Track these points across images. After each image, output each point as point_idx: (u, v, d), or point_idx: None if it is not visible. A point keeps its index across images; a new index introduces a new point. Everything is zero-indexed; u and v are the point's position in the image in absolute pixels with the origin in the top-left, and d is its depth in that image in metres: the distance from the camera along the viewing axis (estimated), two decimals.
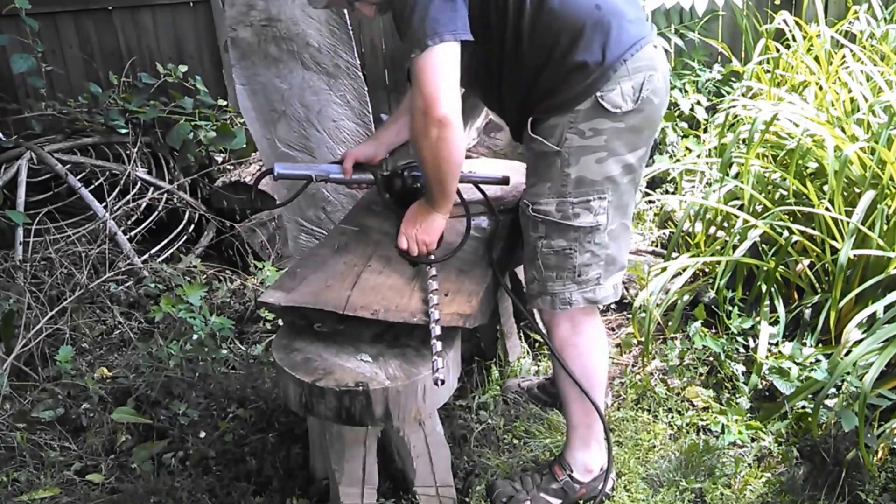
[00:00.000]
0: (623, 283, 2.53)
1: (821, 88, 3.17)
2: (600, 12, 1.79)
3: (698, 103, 3.93)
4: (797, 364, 2.40)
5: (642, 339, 2.66)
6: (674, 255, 2.96)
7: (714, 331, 2.70)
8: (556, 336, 2.00)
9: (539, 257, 1.92)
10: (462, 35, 1.73)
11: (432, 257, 1.97)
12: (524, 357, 2.70)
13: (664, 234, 3.35)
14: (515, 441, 2.32)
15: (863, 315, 2.29)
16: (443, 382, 1.71)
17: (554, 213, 1.87)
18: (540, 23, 1.79)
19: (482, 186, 2.29)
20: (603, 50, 1.77)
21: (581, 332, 1.99)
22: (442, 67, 1.72)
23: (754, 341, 2.58)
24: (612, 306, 2.97)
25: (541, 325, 2.18)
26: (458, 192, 2.13)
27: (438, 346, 1.74)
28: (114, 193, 3.52)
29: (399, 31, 1.80)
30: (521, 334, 2.75)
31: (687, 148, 3.55)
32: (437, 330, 1.76)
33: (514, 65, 1.85)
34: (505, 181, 2.33)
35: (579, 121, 1.80)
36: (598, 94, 1.78)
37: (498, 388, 2.52)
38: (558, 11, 1.78)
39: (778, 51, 3.58)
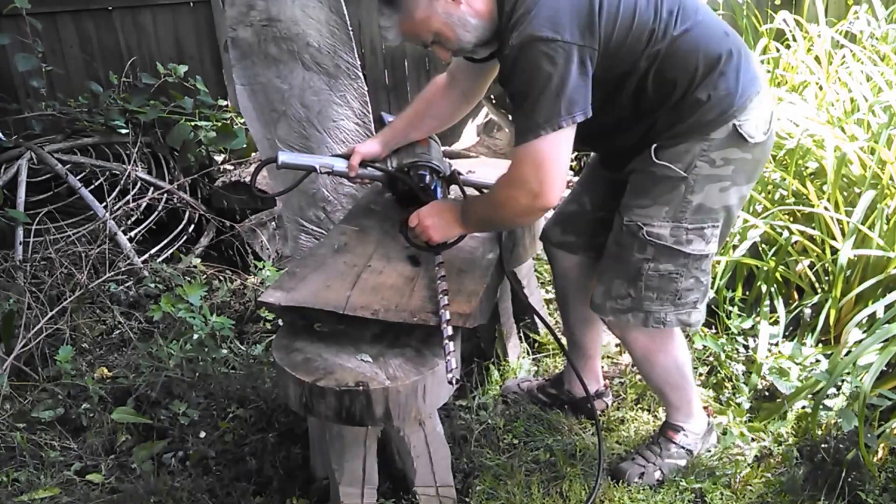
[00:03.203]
0: None
1: (821, 88, 3.17)
2: (729, 39, 1.77)
3: None
4: (797, 364, 2.40)
5: None
6: None
7: (714, 331, 2.70)
8: (635, 349, 2.04)
9: (643, 279, 1.88)
10: (588, 112, 1.67)
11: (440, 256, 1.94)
12: (524, 357, 2.70)
13: None
14: (515, 441, 2.32)
15: (863, 315, 2.29)
16: (458, 382, 1.69)
17: (668, 238, 1.83)
18: (671, 60, 1.72)
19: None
20: (737, 78, 1.75)
21: (660, 350, 2.03)
22: (565, 151, 1.67)
23: (754, 341, 2.58)
24: None
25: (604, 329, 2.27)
26: (462, 189, 2.14)
27: (451, 346, 1.72)
28: (114, 193, 3.52)
29: (516, 95, 1.68)
30: (521, 334, 2.75)
31: None
32: (448, 330, 1.74)
33: (635, 106, 1.79)
34: None
35: (713, 149, 1.77)
36: (736, 122, 1.75)
37: (498, 388, 2.52)
38: (691, 47, 1.72)
39: (778, 51, 3.58)
